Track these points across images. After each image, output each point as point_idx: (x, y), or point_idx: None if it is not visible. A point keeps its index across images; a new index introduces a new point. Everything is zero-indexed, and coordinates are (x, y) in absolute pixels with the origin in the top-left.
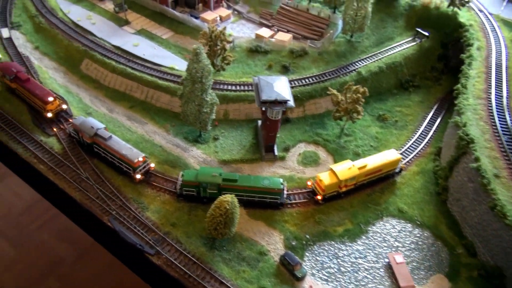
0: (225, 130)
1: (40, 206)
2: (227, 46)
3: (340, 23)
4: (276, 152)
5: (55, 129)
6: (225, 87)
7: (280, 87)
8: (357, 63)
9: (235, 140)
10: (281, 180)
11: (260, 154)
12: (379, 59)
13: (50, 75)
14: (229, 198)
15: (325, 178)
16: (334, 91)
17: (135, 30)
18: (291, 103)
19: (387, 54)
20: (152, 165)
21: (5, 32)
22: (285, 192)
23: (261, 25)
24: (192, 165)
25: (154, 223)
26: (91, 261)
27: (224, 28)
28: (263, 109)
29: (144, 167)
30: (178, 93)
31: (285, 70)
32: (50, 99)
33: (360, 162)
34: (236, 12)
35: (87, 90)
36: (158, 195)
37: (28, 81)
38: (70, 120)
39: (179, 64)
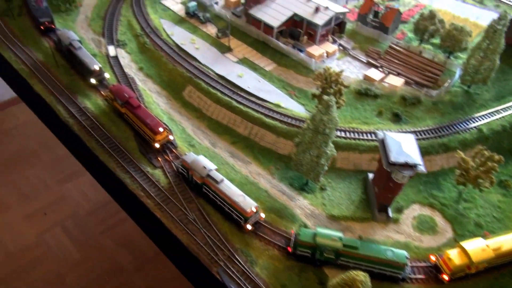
0: (332, 180)
1: (108, 209)
2: (343, 90)
3: (457, 70)
4: (390, 214)
5: (160, 161)
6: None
7: (409, 147)
8: (477, 119)
9: (343, 192)
10: (406, 253)
11: (371, 212)
12: (502, 116)
13: (154, 99)
14: (362, 277)
15: (456, 258)
16: (463, 155)
17: (237, 58)
18: (422, 168)
19: (511, 111)
20: (263, 215)
21: (112, 50)
22: (409, 266)
23: (369, 65)
24: (300, 217)
25: (264, 282)
26: (152, 272)
27: (342, 71)
28: (387, 169)
29: (255, 217)
30: (295, 140)
31: (397, 118)
32: (161, 130)
33: (494, 243)
34: (341, 48)
35: (189, 119)
36: (266, 249)
37: (139, 108)
38: (174, 151)
39: (285, 101)
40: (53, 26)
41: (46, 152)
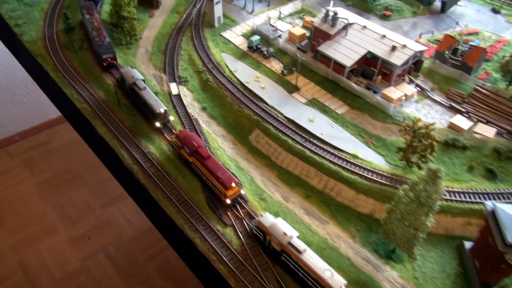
0: (421, 246)
1: (150, 235)
2: (436, 146)
3: None
4: None
5: (231, 218)
6: None
7: None
8: None
9: (436, 263)
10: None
11: None
12: None
13: (219, 144)
14: None
15: None
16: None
17: (306, 99)
18: None
19: None
20: None
21: (174, 88)
22: None
23: (452, 109)
24: None
25: None
26: None
27: (433, 124)
28: (502, 249)
29: None
30: (387, 207)
31: (491, 175)
32: (233, 185)
33: None
34: (419, 89)
35: (257, 167)
36: None
37: (209, 159)
38: (245, 207)
39: (362, 151)
40: (115, 62)
41: (90, 173)
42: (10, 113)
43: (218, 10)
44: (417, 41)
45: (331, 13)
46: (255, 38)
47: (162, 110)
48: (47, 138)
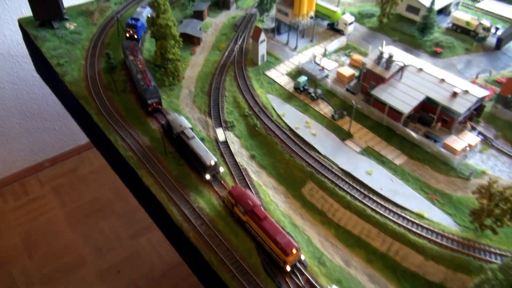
0: None
1: (180, 270)
2: None
3: None
4: None
5: (290, 286)
6: (494, 258)
7: None
8: None
9: None
10: None
11: None
12: None
13: (271, 198)
14: None
15: None
16: None
17: (360, 147)
18: None
19: None
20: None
21: (220, 134)
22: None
23: None
24: None
25: None
26: None
27: None
28: None
29: None
30: (470, 286)
31: None
32: (294, 251)
33: None
34: (482, 137)
35: (313, 225)
36: None
37: (266, 220)
38: (305, 273)
39: (427, 209)
40: (160, 107)
41: (119, 202)
42: (42, 140)
43: (262, 49)
44: (474, 82)
45: (385, 55)
46: (303, 79)
47: (212, 163)
48: (77, 164)
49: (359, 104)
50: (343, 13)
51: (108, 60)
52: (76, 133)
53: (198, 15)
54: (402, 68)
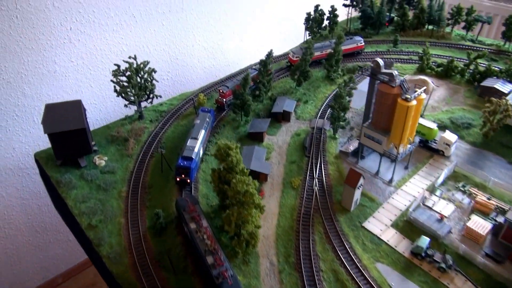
0: None
1: None
2: None
3: None
4: None
5: None
6: None
7: None
8: None
9: None
10: None
11: None
12: None
13: None
14: None
15: None
16: None
17: None
18: None
19: None
20: None
21: None
22: None
23: None
24: None
25: None
26: None
27: None
28: None
29: None
30: None
31: None
32: None
33: None
34: None
35: None
36: None
37: None
38: None
39: None
40: None
41: None
42: (54, 254)
43: (357, 193)
44: None
45: None
46: (424, 241)
47: None
48: (94, 278)
49: (509, 277)
50: (441, 129)
51: (157, 220)
52: None
53: (256, 137)
54: None
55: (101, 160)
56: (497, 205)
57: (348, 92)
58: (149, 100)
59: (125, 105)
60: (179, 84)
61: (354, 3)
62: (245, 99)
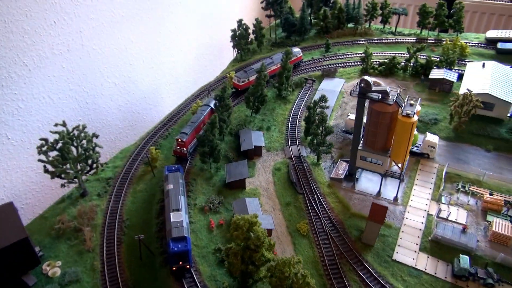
0: None
1: None
2: None
3: None
4: None
5: None
6: None
7: None
8: None
9: None
10: None
11: None
12: None
13: None
14: None
15: None
16: None
17: None
18: None
19: None
20: None
21: None
22: None
23: None
24: None
25: None
26: None
27: None
28: None
29: None
30: None
31: None
32: None
33: None
34: None
35: None
36: None
37: None
38: None
39: None
40: None
41: None
42: None
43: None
44: None
45: None
46: (465, 261)
47: None
48: None
49: None
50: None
51: None
52: None
53: (237, 185)
54: None
55: (54, 268)
56: (505, 200)
57: (321, 112)
58: (92, 171)
59: (62, 185)
60: (98, 131)
61: (278, 13)
62: (214, 144)
